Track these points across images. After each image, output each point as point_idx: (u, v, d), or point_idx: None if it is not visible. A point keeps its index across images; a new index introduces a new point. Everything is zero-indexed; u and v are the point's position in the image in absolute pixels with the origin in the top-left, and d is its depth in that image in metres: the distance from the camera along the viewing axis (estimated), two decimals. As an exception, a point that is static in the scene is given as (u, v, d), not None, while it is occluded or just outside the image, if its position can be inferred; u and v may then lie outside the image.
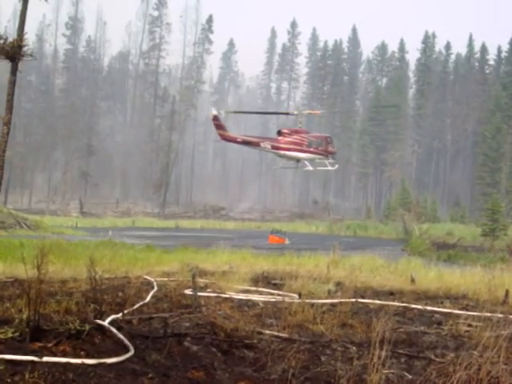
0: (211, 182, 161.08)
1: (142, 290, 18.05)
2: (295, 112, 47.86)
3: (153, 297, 16.89)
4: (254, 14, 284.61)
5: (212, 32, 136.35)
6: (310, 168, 45.30)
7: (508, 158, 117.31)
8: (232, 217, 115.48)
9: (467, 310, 18.03)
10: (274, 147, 42.92)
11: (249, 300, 17.80)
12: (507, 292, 20.15)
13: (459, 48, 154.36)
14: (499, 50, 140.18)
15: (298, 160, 44.67)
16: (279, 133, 44.11)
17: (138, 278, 21.16)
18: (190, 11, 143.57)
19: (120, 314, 13.28)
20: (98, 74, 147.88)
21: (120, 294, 16.92)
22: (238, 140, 43.24)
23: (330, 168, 47.13)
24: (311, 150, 43.85)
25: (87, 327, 10.97)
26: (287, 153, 43.53)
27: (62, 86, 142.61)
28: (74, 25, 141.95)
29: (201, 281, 20.40)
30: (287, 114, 52.76)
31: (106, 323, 11.88)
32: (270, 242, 57.59)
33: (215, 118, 40.24)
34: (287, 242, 58.06)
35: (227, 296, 18.07)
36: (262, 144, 43.08)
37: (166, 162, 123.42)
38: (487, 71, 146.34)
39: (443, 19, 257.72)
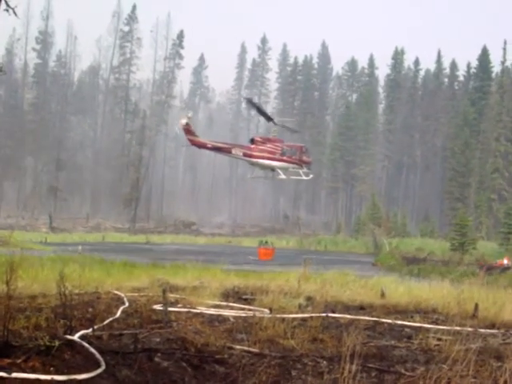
0: (182, 196, 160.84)
1: (112, 305, 17.94)
2: (275, 120, 47.73)
3: (123, 312, 16.81)
4: (225, 29, 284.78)
5: (183, 47, 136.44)
6: (283, 177, 45.16)
7: (476, 172, 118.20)
8: (203, 232, 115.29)
9: (437, 323, 18.13)
10: (245, 154, 42.62)
11: (219, 315, 17.77)
12: (476, 306, 20.28)
13: (428, 64, 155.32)
14: (468, 66, 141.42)
15: (272, 169, 44.45)
16: (252, 141, 43.87)
17: (108, 293, 21.06)
18: (161, 26, 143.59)
19: (90, 330, 13.20)
20: (68, 89, 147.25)
21: (90, 309, 16.83)
22: (208, 146, 43.02)
23: (304, 177, 46.97)
24: (284, 158, 43.64)
25: (57, 343, 10.88)
26: (260, 161, 43.22)
27: (32, 100, 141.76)
28: (45, 39, 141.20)
29: (171, 296, 20.31)
30: (271, 119, 52.21)
31: (76, 338, 11.81)
32: (260, 257, 55.25)
33: (185, 124, 39.99)
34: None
35: (198, 311, 18.03)
36: (233, 151, 42.82)
37: (137, 176, 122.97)
38: (456, 87, 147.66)
39: (413, 35, 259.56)
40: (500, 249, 73.21)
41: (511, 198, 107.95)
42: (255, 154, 42.57)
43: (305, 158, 45.41)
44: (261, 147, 42.84)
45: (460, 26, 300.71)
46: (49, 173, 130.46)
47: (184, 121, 39.88)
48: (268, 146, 43.09)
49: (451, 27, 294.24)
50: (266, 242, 61.35)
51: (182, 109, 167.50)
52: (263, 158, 42.82)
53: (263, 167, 45.07)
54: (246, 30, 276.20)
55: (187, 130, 39.65)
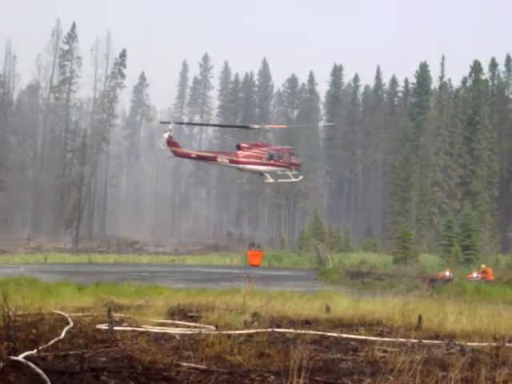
0: (125, 215, 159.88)
1: (56, 326, 17.72)
2: (255, 126, 47.70)
3: (68, 332, 16.61)
4: (166, 47, 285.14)
5: (125, 66, 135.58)
6: (271, 180, 45.05)
7: (417, 186, 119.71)
8: (146, 250, 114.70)
9: (382, 336, 18.28)
10: (232, 161, 42.46)
11: (165, 333, 17.69)
12: (420, 317, 20.52)
13: (368, 80, 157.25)
14: (406, 82, 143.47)
15: (261, 174, 44.37)
16: (238, 147, 43.81)
17: (51, 314, 20.80)
18: (101, 44, 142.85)
19: (34, 351, 13.03)
20: (7, 108, 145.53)
21: (34, 330, 16.58)
22: (192, 155, 42.93)
23: (293, 180, 46.99)
24: (272, 162, 43.62)
25: (1, 364, 10.74)
26: (247, 166, 43.14)
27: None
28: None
29: (116, 315, 20.15)
30: (247, 127, 52.07)
31: (21, 358, 11.66)
32: (250, 262, 55.13)
33: (168, 137, 39.78)
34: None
35: (143, 330, 17.92)
36: (218, 159, 42.64)
37: (78, 196, 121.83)
38: (396, 102, 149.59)
39: (352, 52, 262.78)
40: (441, 261, 74.30)
41: (451, 211, 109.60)
42: (241, 159, 42.43)
43: (294, 161, 45.43)
44: (247, 153, 42.74)
45: (398, 42, 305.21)
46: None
47: (166, 134, 39.72)
48: (254, 150, 43.02)
49: (390, 43, 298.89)
50: (258, 245, 61.52)
51: (123, 127, 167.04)
52: (250, 163, 42.74)
53: (252, 172, 44.95)
54: (188, 47, 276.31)
55: (170, 141, 39.43)
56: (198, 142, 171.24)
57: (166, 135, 39.82)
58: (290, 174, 45.48)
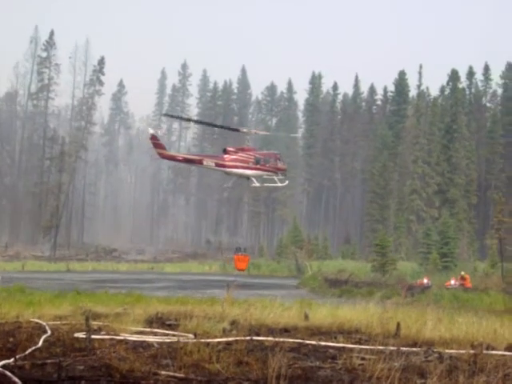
0: (103, 223, 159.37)
1: (33, 334, 17.63)
2: (244, 130, 47.76)
3: (45, 341, 16.53)
4: (145, 54, 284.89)
5: (103, 74, 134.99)
6: (257, 184, 45.03)
7: (395, 194, 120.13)
8: (124, 258, 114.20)
9: (360, 343, 18.32)
10: (218, 165, 42.44)
11: (143, 341, 17.63)
12: (398, 325, 20.59)
13: (347, 88, 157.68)
14: (385, 90, 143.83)
15: (247, 178, 44.39)
16: (224, 151, 43.86)
17: (29, 322, 20.69)
18: (80, 52, 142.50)
19: (11, 360, 12.95)
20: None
21: (11, 339, 16.51)
22: (179, 158, 42.90)
23: (279, 184, 47.01)
24: (258, 167, 43.66)
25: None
26: (233, 170, 43.14)
27: None
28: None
29: (94, 323, 20.06)
30: (236, 130, 52.01)
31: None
32: (237, 267, 54.97)
33: (153, 137, 39.70)
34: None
35: (121, 338, 17.85)
36: (204, 161, 42.58)
37: (56, 204, 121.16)
38: (374, 111, 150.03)
39: (331, 61, 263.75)
40: (420, 268, 74.51)
41: (429, 219, 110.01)
42: (228, 163, 42.39)
43: (280, 166, 45.46)
44: (233, 156, 42.73)
45: (377, 51, 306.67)
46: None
47: (152, 131, 39.76)
48: (240, 154, 43.00)
49: (369, 51, 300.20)
50: (245, 250, 61.24)
51: (101, 135, 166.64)
52: (236, 167, 42.71)
53: (238, 176, 44.92)
54: (167, 55, 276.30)
55: (155, 143, 39.34)
56: (176, 149, 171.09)
57: (151, 131, 39.96)
58: (276, 178, 45.57)
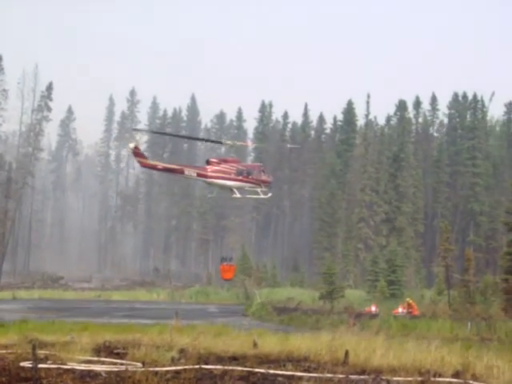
0: (49, 250, 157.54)
1: (-23, 364, 17.34)
2: (228, 142, 47.72)
3: (-10, 370, 16.26)
4: (93, 81, 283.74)
5: (51, 99, 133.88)
6: (238, 195, 44.84)
7: (343, 222, 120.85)
8: (71, 286, 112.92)
9: (309, 371, 18.33)
10: (200, 175, 42.24)
11: (91, 370, 17.44)
12: (347, 352, 20.65)
13: (296, 117, 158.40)
14: (335, 120, 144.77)
15: (230, 189, 44.19)
16: (207, 162, 43.72)
17: (-27, 351, 20.34)
18: (28, 77, 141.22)
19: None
20: None
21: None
22: (159, 167, 42.60)
23: (262, 196, 46.86)
24: (241, 178, 43.53)
25: None
26: (215, 181, 42.99)
27: None
28: None
29: (41, 352, 19.80)
30: (220, 142, 51.83)
31: None
32: (223, 277, 54.46)
33: (135, 148, 39.45)
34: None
35: (69, 367, 17.63)
36: (186, 171, 42.31)
37: (3, 231, 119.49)
38: (323, 139, 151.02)
39: (282, 89, 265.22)
40: (367, 296, 75.00)
41: (377, 247, 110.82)
42: (210, 174, 42.24)
43: (264, 178, 45.37)
44: (216, 167, 42.59)
45: (327, 80, 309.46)
46: None
47: (132, 145, 39.46)
48: (223, 166, 42.88)
49: (319, 81, 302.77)
50: (231, 259, 60.55)
51: (49, 161, 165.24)
52: (218, 178, 42.57)
53: (220, 187, 44.73)
54: (115, 82, 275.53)
55: (136, 152, 39.09)
56: (124, 176, 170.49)
57: (131, 145, 39.80)
58: (259, 190, 45.58)
